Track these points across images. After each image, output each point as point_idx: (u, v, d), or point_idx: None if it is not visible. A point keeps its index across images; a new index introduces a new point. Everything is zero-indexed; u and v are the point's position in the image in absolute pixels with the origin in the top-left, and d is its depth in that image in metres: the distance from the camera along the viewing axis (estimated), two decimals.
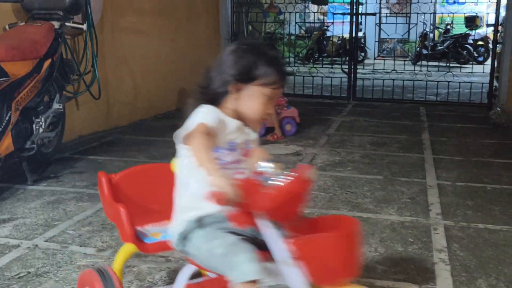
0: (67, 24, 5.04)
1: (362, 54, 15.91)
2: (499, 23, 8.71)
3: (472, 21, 16.53)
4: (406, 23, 12.28)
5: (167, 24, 7.75)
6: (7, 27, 4.76)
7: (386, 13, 19.52)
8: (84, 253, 3.13)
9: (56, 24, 4.82)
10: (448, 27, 17.78)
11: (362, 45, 15.82)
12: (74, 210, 3.83)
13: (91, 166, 4.98)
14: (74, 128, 5.91)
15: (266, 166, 1.96)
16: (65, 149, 5.48)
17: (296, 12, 9.87)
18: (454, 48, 15.96)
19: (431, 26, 17.92)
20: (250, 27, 13.13)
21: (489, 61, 10.67)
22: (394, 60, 10.41)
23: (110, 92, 6.50)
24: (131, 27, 6.89)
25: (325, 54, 16.12)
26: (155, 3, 7.41)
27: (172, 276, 2.79)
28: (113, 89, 6.58)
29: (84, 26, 5.44)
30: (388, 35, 11.23)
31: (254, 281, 1.64)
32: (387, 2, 20.70)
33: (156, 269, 2.92)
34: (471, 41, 16.29)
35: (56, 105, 4.81)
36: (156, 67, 7.51)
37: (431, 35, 17.83)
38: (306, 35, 17.13)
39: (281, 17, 12.46)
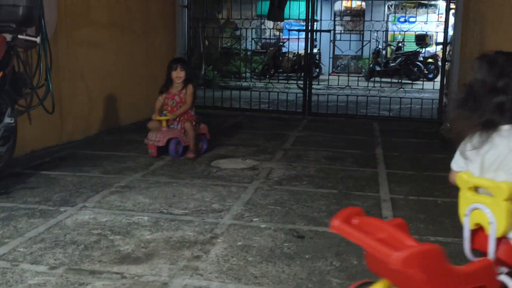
0: (19, 36, 4.95)
1: (317, 70, 16.14)
2: (448, 41, 9.00)
3: (422, 39, 17.05)
4: (360, 40, 12.56)
5: (124, 37, 7.69)
6: None
7: (341, 30, 19.92)
8: (35, 271, 3.05)
9: (8, 37, 4.73)
10: (400, 44, 18.27)
11: (317, 61, 16.06)
12: (26, 226, 3.74)
13: (43, 181, 4.87)
14: (26, 143, 5.78)
15: None
16: (17, 164, 5.34)
17: (252, 28, 9.96)
18: (406, 65, 16.38)
19: (384, 44, 18.41)
20: (206, 42, 13.16)
21: (438, 78, 11.00)
22: (348, 76, 10.62)
23: (64, 106, 6.39)
24: (87, 40, 6.81)
25: (281, 70, 16.29)
26: (112, 16, 7.35)
27: None
28: (67, 103, 6.47)
29: (38, 39, 5.35)
30: (342, 52, 11.46)
31: None
32: (341, 20, 21.14)
33: (110, 285, 2.87)
34: (422, 59, 16.76)
35: (7, 119, 4.70)
36: (112, 81, 7.43)
37: (384, 52, 18.28)
38: (262, 51, 17.29)
39: (238, 32, 12.55)
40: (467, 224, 2.22)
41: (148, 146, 5.88)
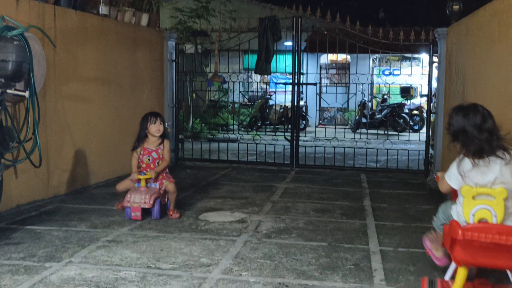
0: (8, 91, 4.97)
1: (304, 122, 16.32)
2: (432, 93, 9.18)
3: (407, 92, 17.38)
4: (346, 93, 12.76)
5: (111, 92, 7.76)
6: None
7: (326, 83, 20.25)
8: None
9: None
10: (385, 96, 18.58)
11: (303, 113, 16.25)
12: (10, 283, 3.66)
13: (28, 236, 4.80)
14: (12, 197, 5.72)
15: None
16: (1, 219, 5.27)
17: (239, 82, 10.10)
18: (391, 117, 16.62)
19: (369, 96, 18.71)
20: (194, 95, 13.31)
21: (424, 130, 11.15)
22: (335, 128, 10.73)
23: (50, 160, 6.37)
24: (75, 95, 6.86)
25: (268, 122, 16.44)
26: (99, 71, 7.43)
27: None
28: (54, 157, 6.45)
29: (26, 94, 5.38)
30: (329, 104, 11.62)
31: None
32: (327, 73, 21.51)
33: None
34: (407, 110, 17.03)
35: None
36: (99, 135, 7.44)
37: (370, 104, 18.55)
38: (250, 103, 17.50)
39: (225, 86, 12.72)
40: (472, 221, 3.23)
41: (130, 209, 5.42)
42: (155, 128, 5.68)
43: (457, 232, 3.01)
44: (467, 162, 3.32)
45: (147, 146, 5.70)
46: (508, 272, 3.31)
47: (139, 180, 5.57)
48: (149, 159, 5.68)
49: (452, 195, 3.72)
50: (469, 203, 3.24)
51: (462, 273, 3.15)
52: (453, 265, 3.35)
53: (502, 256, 2.98)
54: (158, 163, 5.68)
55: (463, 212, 3.30)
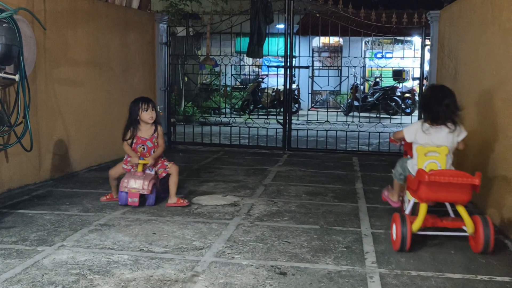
0: None
1: (296, 105, 16.30)
2: (424, 76, 9.18)
3: (399, 75, 17.38)
4: (338, 76, 12.75)
5: (103, 75, 7.71)
6: None
7: (319, 66, 20.21)
8: None
9: None
10: (377, 80, 18.58)
11: (296, 96, 16.23)
12: (2, 267, 3.65)
13: (20, 220, 4.79)
14: (3, 181, 5.70)
15: None
16: None
17: (231, 65, 10.06)
18: (384, 100, 16.64)
19: (362, 79, 18.71)
20: (186, 79, 13.25)
21: (416, 113, 11.18)
22: (327, 111, 10.73)
23: (42, 144, 6.34)
24: (66, 78, 6.81)
25: (260, 105, 16.42)
26: (91, 54, 7.37)
27: None
28: (45, 141, 6.42)
29: (17, 77, 5.34)
30: (321, 87, 11.63)
31: None
32: (319, 56, 21.47)
33: None
34: (399, 94, 17.05)
35: None
36: (91, 119, 7.41)
37: (362, 87, 18.55)
38: (242, 86, 17.45)
39: (217, 69, 12.66)
40: (425, 169, 4.30)
41: (127, 195, 5.26)
42: (148, 116, 5.47)
43: (424, 176, 4.10)
44: (425, 125, 4.41)
45: (140, 134, 5.49)
46: (448, 207, 4.58)
47: (134, 166, 5.42)
48: (143, 148, 5.49)
49: (407, 153, 4.97)
50: (422, 159, 4.38)
51: (424, 208, 4.25)
52: (411, 204, 4.52)
53: (453, 191, 4.16)
54: (153, 151, 5.49)
55: (418, 164, 4.38)
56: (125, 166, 5.51)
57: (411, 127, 4.56)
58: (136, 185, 5.25)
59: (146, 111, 5.47)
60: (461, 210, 4.20)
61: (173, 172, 5.51)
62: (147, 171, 5.42)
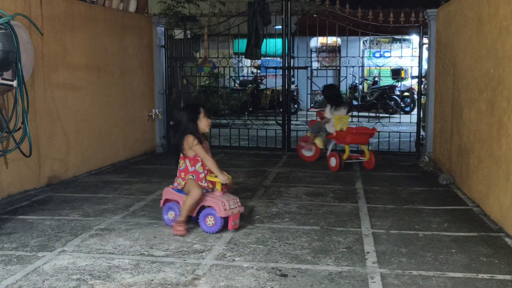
0: None
1: (295, 106, 16.29)
2: (422, 75, 9.18)
3: (397, 74, 17.38)
4: (336, 76, 12.73)
5: (101, 79, 7.70)
6: None
7: (317, 66, 20.20)
8: None
9: None
10: (376, 79, 18.57)
11: (294, 97, 16.21)
12: (2, 274, 3.65)
13: (20, 226, 4.79)
14: (2, 187, 5.70)
15: None
16: None
17: (230, 66, 10.05)
18: (383, 99, 16.62)
19: (360, 79, 18.70)
20: (184, 81, 13.23)
21: (415, 111, 11.15)
22: None
23: (41, 149, 6.34)
24: (64, 83, 6.80)
25: (259, 107, 16.39)
26: (88, 58, 7.37)
27: None
28: (45, 146, 6.42)
29: (14, 83, 5.33)
30: (320, 88, 11.57)
31: None
32: (317, 56, 21.46)
33: None
34: (398, 92, 17.03)
35: None
36: (90, 122, 7.40)
37: (360, 87, 18.54)
38: (240, 88, 17.42)
39: (215, 71, 12.66)
40: (339, 129, 7.88)
41: (229, 219, 4.58)
42: (207, 123, 4.79)
43: (353, 130, 7.72)
44: (333, 108, 7.97)
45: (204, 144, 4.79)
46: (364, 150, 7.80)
47: (208, 185, 4.73)
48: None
49: (322, 120, 8.20)
50: (338, 122, 7.83)
51: (348, 148, 7.83)
52: (331, 146, 8.00)
53: (362, 138, 7.76)
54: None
55: (335, 126, 7.84)
56: (222, 181, 4.64)
57: (327, 111, 8.06)
58: (233, 204, 4.64)
59: (207, 117, 4.80)
60: (364, 147, 7.90)
61: (230, 185, 4.86)
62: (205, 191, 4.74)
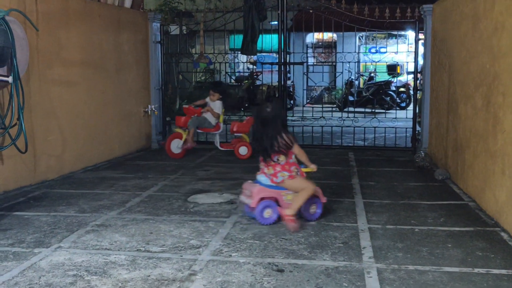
0: None
1: (291, 101, 16.29)
2: (418, 71, 9.19)
3: (393, 69, 17.39)
4: (332, 72, 12.73)
5: (96, 75, 7.68)
6: None
7: (313, 62, 20.20)
8: None
9: None
10: (372, 74, 18.57)
11: (291, 93, 16.22)
12: None
13: (16, 222, 4.78)
14: None
15: None
16: None
17: (225, 62, 10.04)
18: (378, 95, 16.62)
19: (356, 74, 18.70)
20: (180, 77, 13.21)
21: (411, 107, 11.18)
22: (322, 107, 10.72)
23: (37, 145, 6.32)
24: (59, 79, 6.78)
25: (256, 102, 16.38)
26: (84, 54, 7.35)
27: None
28: (40, 142, 6.40)
29: (10, 79, 5.32)
30: (316, 83, 11.58)
31: None
32: (313, 52, 21.45)
33: None
34: (394, 88, 17.04)
35: None
36: (85, 118, 7.39)
37: (356, 82, 18.54)
38: (236, 84, 17.40)
39: (211, 67, 12.64)
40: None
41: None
42: None
43: (243, 123, 8.47)
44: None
45: None
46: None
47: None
48: None
49: (199, 114, 8.43)
50: (222, 118, 8.57)
51: (246, 137, 8.50)
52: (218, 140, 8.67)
53: (245, 128, 8.43)
54: None
55: (220, 120, 8.50)
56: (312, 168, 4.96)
57: (218, 105, 8.48)
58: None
59: None
60: (245, 137, 8.44)
61: None
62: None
